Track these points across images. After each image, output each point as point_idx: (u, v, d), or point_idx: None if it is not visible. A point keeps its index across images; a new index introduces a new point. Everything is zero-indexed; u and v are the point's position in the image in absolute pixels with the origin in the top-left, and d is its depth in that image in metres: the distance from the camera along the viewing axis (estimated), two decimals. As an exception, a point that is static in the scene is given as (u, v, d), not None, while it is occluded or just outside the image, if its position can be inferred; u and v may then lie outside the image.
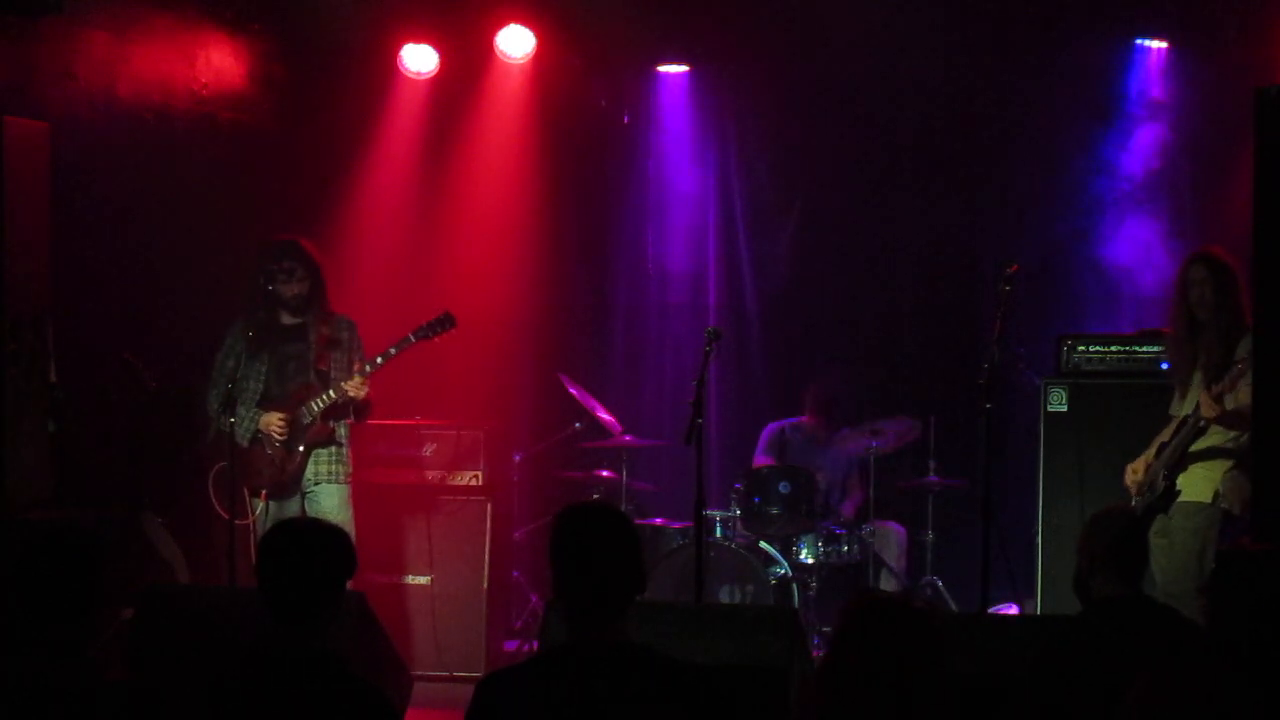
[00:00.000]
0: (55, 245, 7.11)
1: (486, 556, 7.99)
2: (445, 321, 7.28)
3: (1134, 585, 4.71)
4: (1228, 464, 6.66)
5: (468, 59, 9.23)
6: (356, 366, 7.20)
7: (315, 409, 7.13)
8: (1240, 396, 6.58)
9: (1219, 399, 6.52)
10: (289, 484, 7.16)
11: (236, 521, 6.95)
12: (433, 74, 9.21)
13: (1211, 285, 6.75)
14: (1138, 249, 8.97)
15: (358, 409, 7.27)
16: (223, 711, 3.73)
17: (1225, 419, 6.58)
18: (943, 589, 8.30)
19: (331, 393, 7.12)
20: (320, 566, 3.84)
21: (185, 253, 8.18)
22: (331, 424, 7.19)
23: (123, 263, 7.96)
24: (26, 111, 7.06)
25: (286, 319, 7.23)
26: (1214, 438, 6.68)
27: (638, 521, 8.17)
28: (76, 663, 3.83)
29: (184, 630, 5.72)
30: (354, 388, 7.11)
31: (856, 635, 3.26)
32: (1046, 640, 4.76)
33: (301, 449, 7.15)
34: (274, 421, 7.11)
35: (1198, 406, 6.64)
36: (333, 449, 7.20)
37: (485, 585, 7.96)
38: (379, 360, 7.19)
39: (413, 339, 7.24)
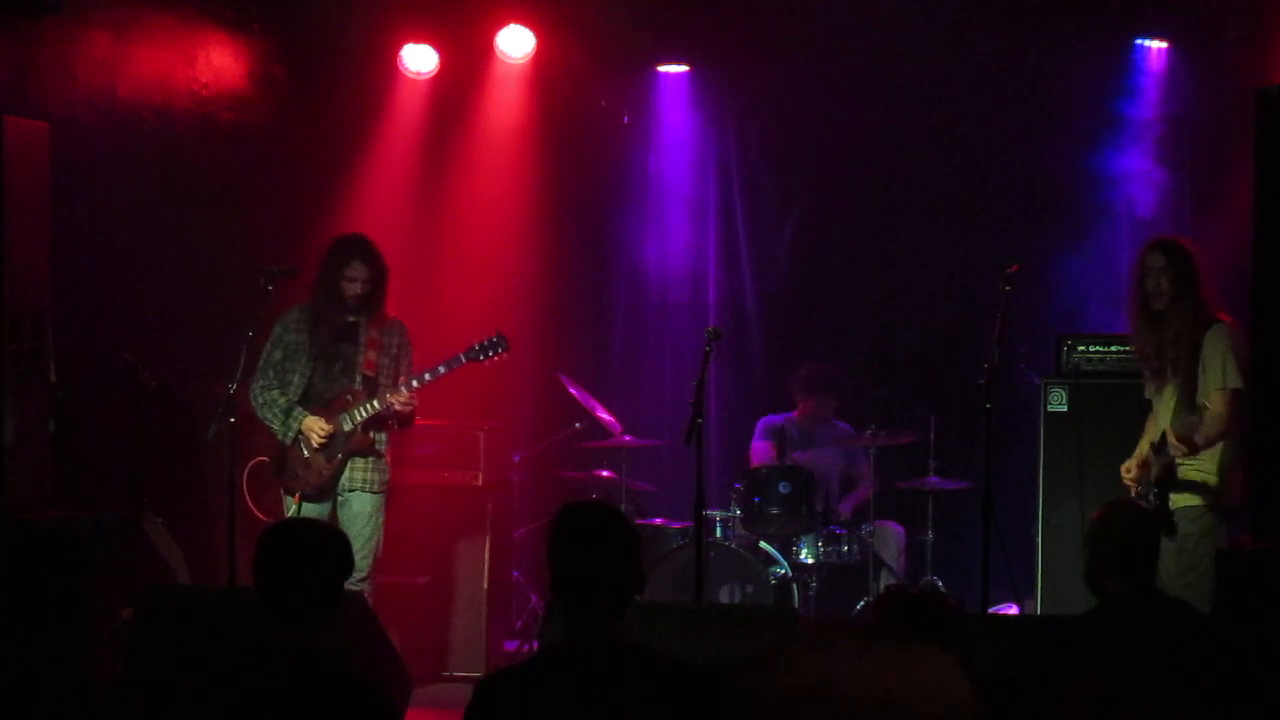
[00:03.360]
0: (55, 245, 7.12)
1: (486, 556, 7.99)
2: (498, 344, 7.18)
3: (1146, 582, 4.71)
4: (1217, 464, 6.64)
5: (468, 59, 9.23)
6: (402, 380, 7.11)
7: (357, 417, 7.06)
8: (1212, 403, 6.48)
9: (1185, 441, 6.42)
10: (324, 489, 7.10)
11: (267, 519, 6.93)
12: (433, 74, 9.21)
13: (1169, 275, 6.65)
14: (1137, 248, 8.95)
15: (401, 419, 7.19)
16: (222, 711, 3.73)
17: (1198, 448, 6.48)
18: (943, 589, 8.30)
19: (375, 403, 7.05)
20: (316, 567, 3.84)
21: (185, 253, 8.19)
22: (371, 434, 7.12)
23: (123, 263, 7.96)
24: (26, 111, 7.07)
25: (343, 317, 7.16)
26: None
27: (638, 521, 8.17)
28: (70, 662, 3.83)
29: (184, 630, 5.72)
30: (400, 402, 7.05)
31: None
32: (1059, 636, 4.77)
33: (340, 456, 7.09)
34: (316, 427, 7.03)
35: (1166, 434, 6.55)
36: (370, 459, 7.14)
37: (485, 585, 7.96)
38: (426, 377, 7.11)
39: (463, 359, 7.17)
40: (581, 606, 3.56)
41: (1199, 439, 6.41)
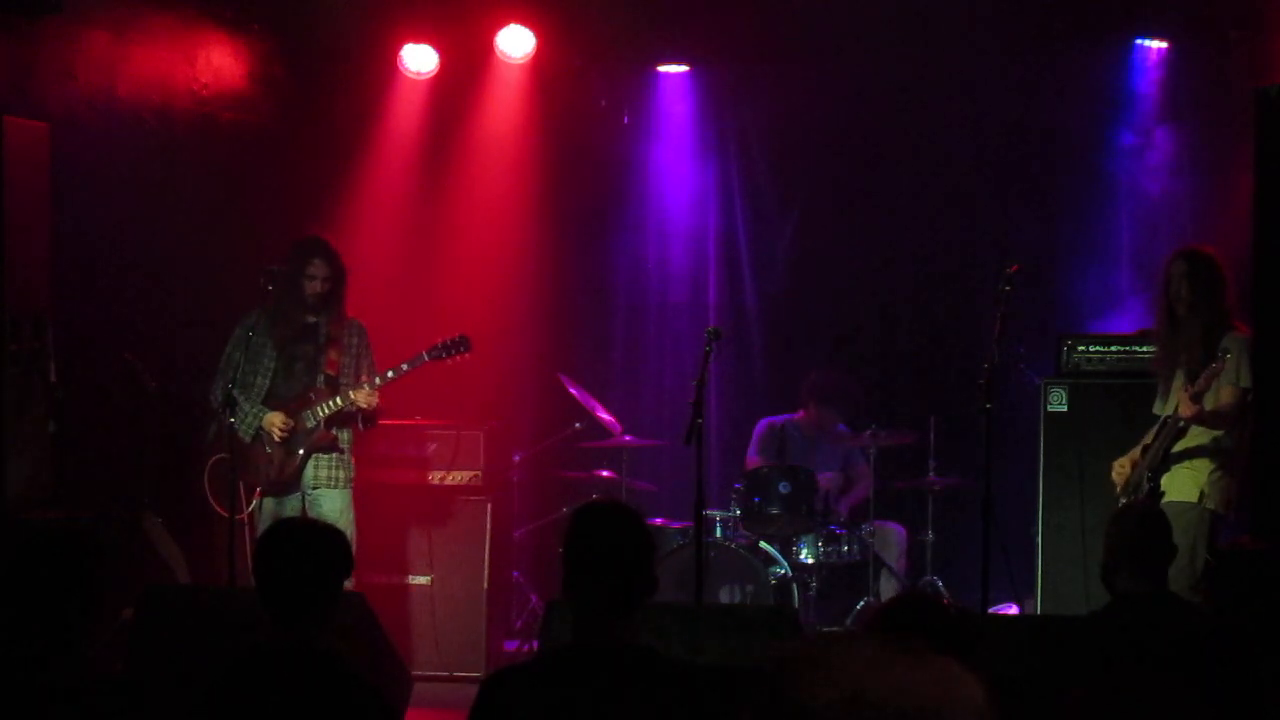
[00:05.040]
0: (55, 245, 7.11)
1: (486, 556, 7.98)
2: (461, 344, 7.25)
3: (1157, 581, 4.75)
4: (1211, 464, 6.68)
5: (468, 59, 9.23)
6: (365, 377, 7.16)
7: (320, 414, 7.12)
8: (1222, 395, 6.59)
9: (1196, 399, 6.53)
10: (286, 484, 7.16)
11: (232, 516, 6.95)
12: (433, 74, 9.20)
13: (1189, 282, 6.75)
14: (1138, 248, 8.98)
15: (365, 417, 7.24)
16: (222, 711, 3.73)
17: (1203, 419, 6.59)
18: (943, 589, 8.30)
19: (339, 400, 7.10)
20: (316, 567, 3.84)
21: (185, 253, 8.18)
22: (334, 431, 7.18)
23: (123, 263, 7.96)
24: (26, 111, 7.06)
25: (304, 317, 7.21)
26: (1196, 438, 6.70)
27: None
28: (73, 662, 3.83)
29: (184, 630, 5.72)
30: (363, 398, 7.10)
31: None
32: (1066, 635, 4.79)
33: (301, 452, 7.14)
34: (276, 422, 7.10)
35: (1178, 406, 6.66)
36: (334, 455, 7.19)
37: (485, 585, 7.95)
38: (390, 374, 7.17)
39: (426, 357, 7.22)
40: (593, 608, 3.56)
41: (1209, 409, 6.50)
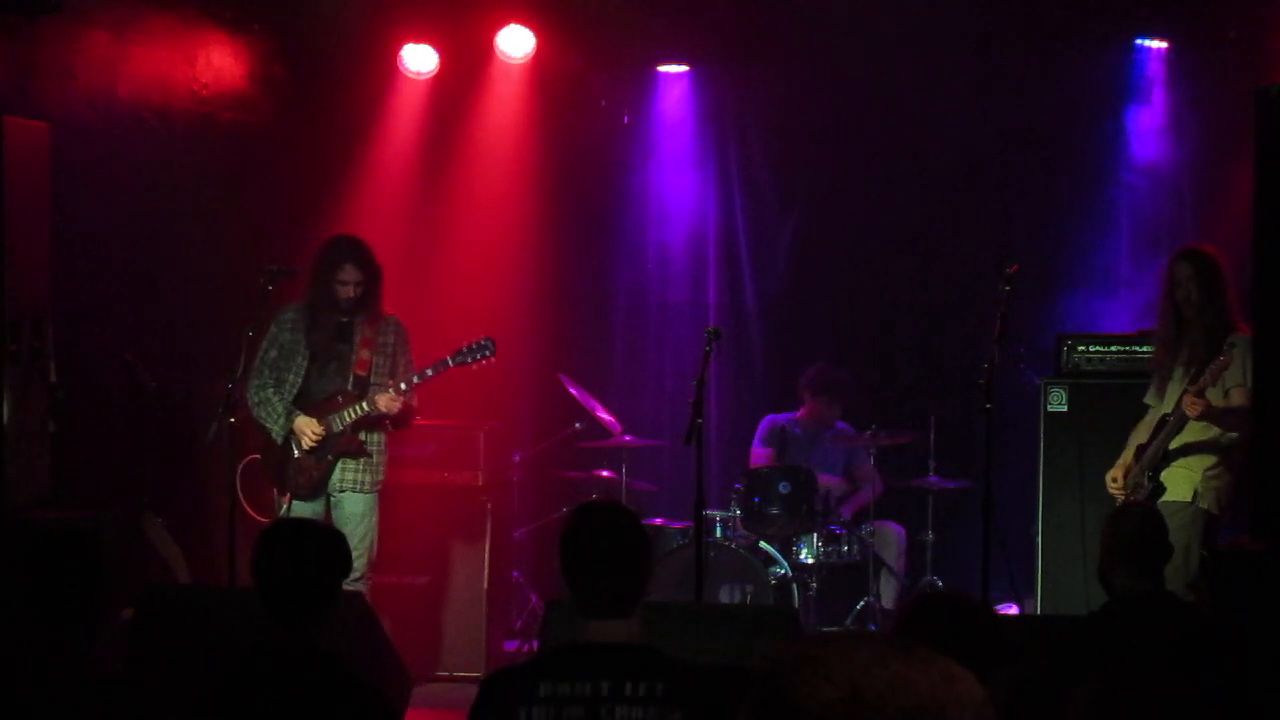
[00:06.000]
0: (55, 245, 7.12)
1: (486, 556, 7.99)
2: (485, 348, 7.14)
3: (1154, 580, 4.75)
4: (1206, 462, 6.68)
5: (468, 59, 9.23)
6: (391, 383, 7.13)
7: (347, 418, 7.05)
8: (1233, 397, 6.59)
9: (1201, 394, 6.53)
10: (313, 488, 7.10)
11: (260, 518, 6.94)
12: (433, 74, 9.20)
13: (1197, 284, 6.76)
14: (1138, 248, 8.98)
15: (396, 419, 7.18)
16: (222, 711, 3.73)
17: (1211, 415, 6.58)
18: (942, 589, 8.30)
19: (365, 404, 7.05)
20: (314, 567, 3.84)
21: (185, 252, 8.19)
22: (362, 435, 7.11)
23: (123, 263, 7.96)
24: (26, 111, 7.07)
25: (337, 318, 7.16)
26: (1192, 435, 6.70)
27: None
28: (73, 662, 3.83)
29: (184, 630, 5.72)
30: (386, 403, 7.02)
31: (920, 633, 3.25)
32: (1065, 635, 4.79)
33: (330, 457, 7.09)
34: (308, 428, 7.03)
35: (1179, 404, 6.65)
36: (362, 460, 7.13)
37: (485, 585, 7.95)
38: (414, 379, 7.11)
39: (450, 363, 7.12)
40: (590, 607, 3.56)
41: (1219, 405, 6.50)
